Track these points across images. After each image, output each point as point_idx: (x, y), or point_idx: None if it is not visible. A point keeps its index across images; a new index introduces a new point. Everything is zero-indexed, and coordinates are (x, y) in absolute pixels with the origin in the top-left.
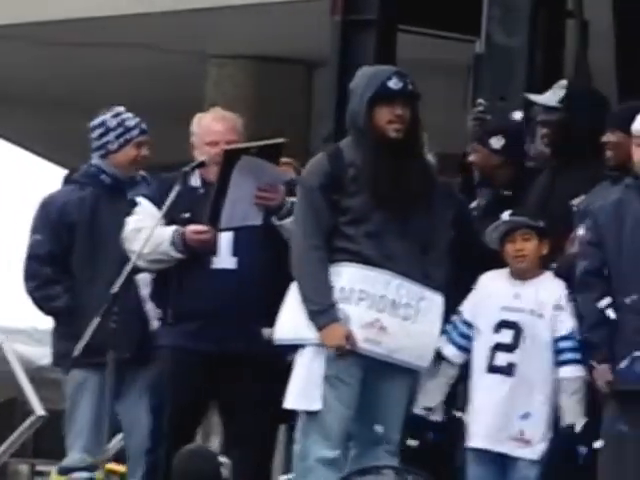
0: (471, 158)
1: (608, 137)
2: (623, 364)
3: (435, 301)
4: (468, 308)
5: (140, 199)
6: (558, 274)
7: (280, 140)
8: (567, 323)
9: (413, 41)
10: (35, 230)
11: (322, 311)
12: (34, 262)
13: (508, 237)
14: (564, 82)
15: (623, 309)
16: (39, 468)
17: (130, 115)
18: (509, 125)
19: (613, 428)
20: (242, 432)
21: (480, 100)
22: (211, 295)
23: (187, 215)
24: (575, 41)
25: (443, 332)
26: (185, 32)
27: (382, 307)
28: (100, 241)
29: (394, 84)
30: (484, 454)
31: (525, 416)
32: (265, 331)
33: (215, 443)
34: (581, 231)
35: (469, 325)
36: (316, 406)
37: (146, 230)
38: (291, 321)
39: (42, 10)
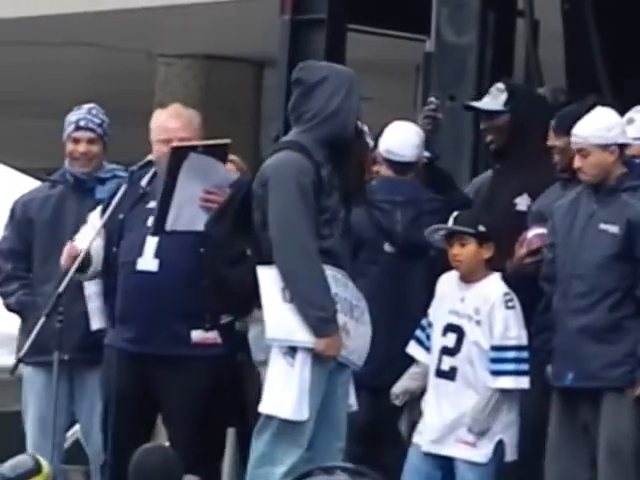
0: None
1: (554, 141)
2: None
3: (364, 300)
4: (431, 310)
5: (89, 217)
6: (509, 277)
7: (226, 140)
8: (498, 330)
9: (362, 40)
10: (4, 228)
11: (330, 319)
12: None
13: (448, 241)
14: (501, 85)
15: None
16: None
17: (81, 111)
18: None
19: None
20: (180, 441)
21: (431, 98)
22: (134, 296)
23: (120, 216)
24: (525, 40)
25: (412, 335)
26: (133, 31)
27: (346, 310)
28: (60, 239)
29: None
30: (428, 456)
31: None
32: (194, 333)
33: None
34: (533, 232)
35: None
36: (304, 415)
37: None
38: (284, 321)
39: None
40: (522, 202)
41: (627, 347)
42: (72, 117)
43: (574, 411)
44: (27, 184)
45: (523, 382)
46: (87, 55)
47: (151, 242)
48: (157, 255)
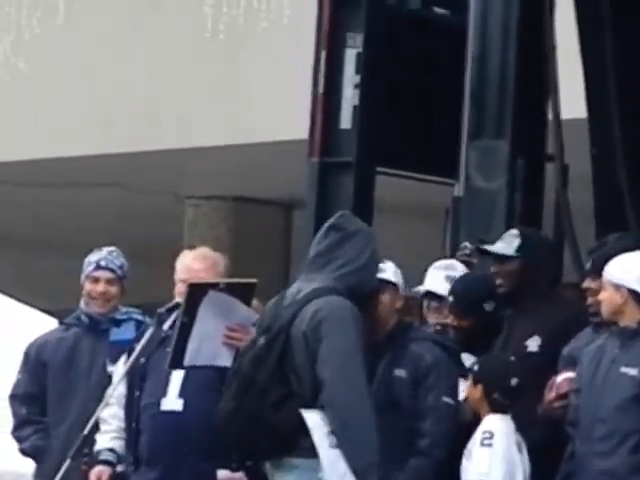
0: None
1: (589, 284)
2: None
3: None
4: None
5: (115, 367)
6: (539, 420)
7: (252, 280)
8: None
9: (392, 182)
10: (19, 371)
11: (376, 464)
12: (14, 402)
13: None
14: (515, 231)
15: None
16: None
17: (98, 252)
18: None
19: None
20: None
21: (465, 243)
22: (160, 437)
23: (142, 360)
24: (555, 184)
25: None
26: (161, 172)
27: None
28: (73, 382)
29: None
30: None
31: None
32: (220, 473)
33: None
34: (563, 376)
35: None
36: None
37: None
38: (335, 465)
39: (13, 150)
40: (533, 344)
41: None
42: (92, 257)
43: None
44: (48, 325)
45: None
46: (113, 196)
47: (175, 382)
48: (181, 395)
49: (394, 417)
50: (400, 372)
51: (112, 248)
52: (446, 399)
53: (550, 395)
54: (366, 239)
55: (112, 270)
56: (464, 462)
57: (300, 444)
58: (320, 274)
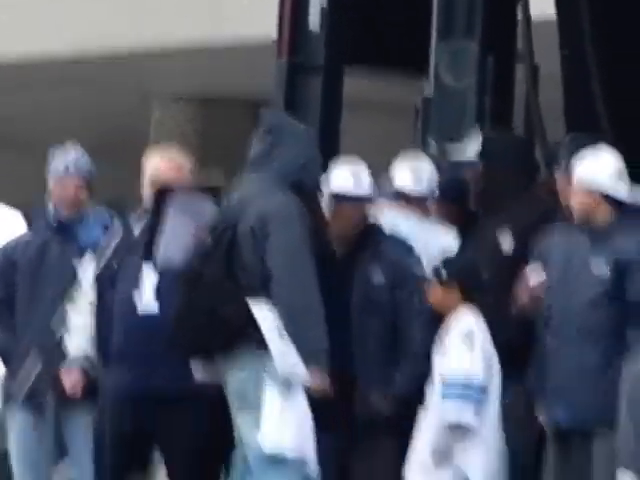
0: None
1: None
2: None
3: None
4: None
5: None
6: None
7: (219, 184)
8: (448, 364)
9: (360, 83)
10: None
11: (327, 352)
12: None
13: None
14: (479, 134)
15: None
16: None
17: (69, 156)
18: None
19: None
20: (175, 474)
21: (430, 141)
22: (134, 337)
23: (114, 265)
24: (525, 84)
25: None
26: (129, 72)
27: None
28: (42, 283)
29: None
30: None
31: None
32: (197, 374)
33: None
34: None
35: None
36: (311, 453)
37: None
38: (285, 355)
39: None
40: (505, 243)
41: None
42: (59, 161)
43: (567, 451)
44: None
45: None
46: (80, 95)
47: (148, 285)
48: (157, 297)
49: (376, 321)
50: (379, 278)
51: (77, 148)
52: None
53: (522, 289)
54: (303, 140)
55: (81, 175)
56: (437, 357)
57: (251, 336)
58: (259, 175)
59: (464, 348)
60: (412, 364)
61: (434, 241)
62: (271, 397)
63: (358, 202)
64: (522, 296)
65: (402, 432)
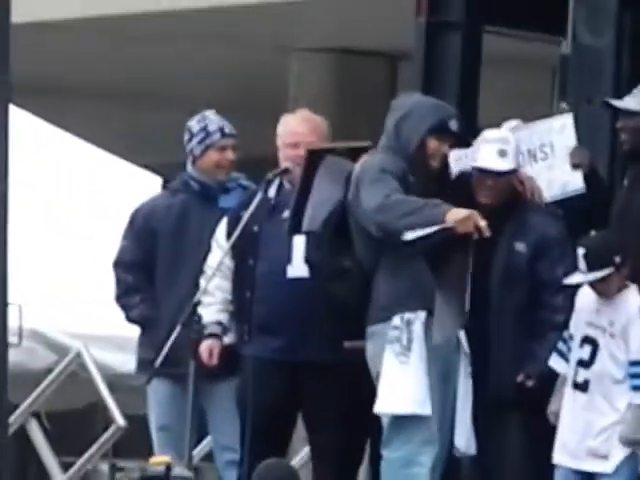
0: None
1: None
2: None
3: None
4: (572, 322)
5: (215, 235)
6: None
7: (366, 143)
8: (634, 345)
9: (499, 39)
10: (124, 237)
11: (438, 204)
12: (119, 269)
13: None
14: None
15: None
16: (120, 465)
17: (214, 118)
18: None
19: None
20: (324, 447)
21: (563, 104)
22: (286, 306)
23: (255, 228)
24: None
25: (555, 348)
26: (267, 25)
27: None
28: (183, 250)
29: (453, 125)
30: (565, 470)
31: (600, 433)
32: (346, 343)
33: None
34: None
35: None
36: (428, 410)
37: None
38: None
39: (121, 3)
40: None
41: None
42: (211, 124)
43: None
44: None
45: None
46: (218, 50)
47: (298, 249)
48: (307, 261)
49: (518, 290)
50: (520, 246)
51: (213, 111)
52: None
53: None
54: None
55: (234, 136)
56: (602, 338)
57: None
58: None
59: None
60: (555, 338)
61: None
62: (389, 361)
63: (502, 176)
64: None
65: (538, 409)
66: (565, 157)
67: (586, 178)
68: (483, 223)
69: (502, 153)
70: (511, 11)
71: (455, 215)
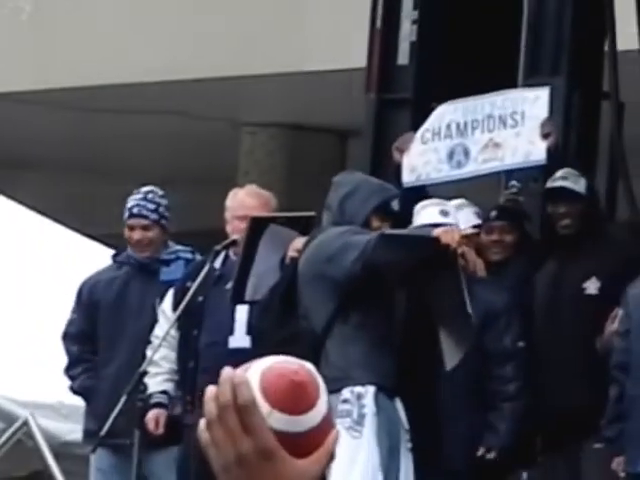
0: None
1: None
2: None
3: None
4: None
5: (161, 306)
6: (600, 353)
7: (310, 213)
8: None
9: None
10: (72, 310)
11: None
12: (66, 341)
13: None
14: (576, 171)
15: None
16: None
17: (135, 196)
18: None
19: None
20: None
21: (513, 182)
22: None
23: (200, 299)
24: (610, 121)
25: None
26: (218, 99)
27: None
28: (123, 321)
29: (395, 206)
30: None
31: None
32: None
33: None
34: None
35: None
36: None
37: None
38: None
39: (74, 76)
40: (591, 286)
41: None
42: (128, 203)
43: None
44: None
45: None
46: (169, 123)
47: (240, 319)
48: (249, 332)
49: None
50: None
51: (149, 189)
52: (521, 344)
53: (612, 327)
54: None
55: (144, 216)
56: None
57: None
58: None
59: None
60: (509, 408)
61: None
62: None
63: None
64: (610, 328)
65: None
66: (534, 127)
67: (549, 151)
68: (458, 237)
69: (444, 213)
70: (460, 87)
71: (440, 229)
